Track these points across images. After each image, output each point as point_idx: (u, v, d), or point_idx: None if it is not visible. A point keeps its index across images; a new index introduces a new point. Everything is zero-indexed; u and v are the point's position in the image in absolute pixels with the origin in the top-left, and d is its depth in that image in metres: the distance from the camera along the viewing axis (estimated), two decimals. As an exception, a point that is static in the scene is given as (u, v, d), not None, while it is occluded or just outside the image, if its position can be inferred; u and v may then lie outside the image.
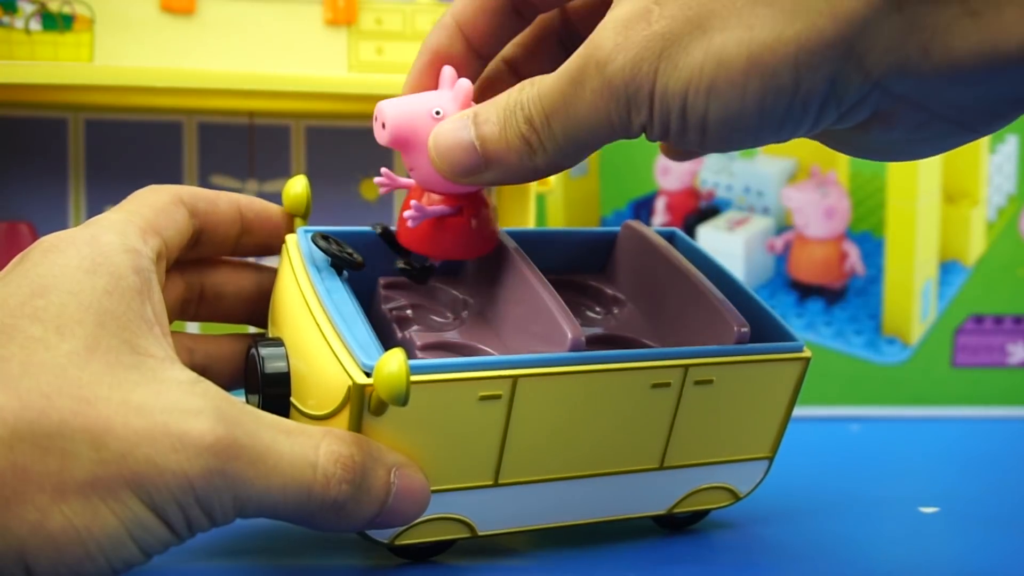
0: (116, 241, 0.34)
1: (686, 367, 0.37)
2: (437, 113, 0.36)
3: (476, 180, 0.35)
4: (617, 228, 0.44)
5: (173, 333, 0.37)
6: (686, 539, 0.42)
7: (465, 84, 0.36)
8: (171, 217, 0.37)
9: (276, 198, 0.41)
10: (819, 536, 0.42)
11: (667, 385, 0.37)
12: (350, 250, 0.38)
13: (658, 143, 0.36)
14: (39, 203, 0.56)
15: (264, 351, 0.37)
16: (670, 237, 0.45)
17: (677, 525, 0.43)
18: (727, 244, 0.75)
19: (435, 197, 0.37)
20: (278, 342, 0.37)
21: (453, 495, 0.36)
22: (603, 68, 0.31)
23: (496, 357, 0.35)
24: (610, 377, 0.36)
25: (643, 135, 0.32)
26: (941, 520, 0.45)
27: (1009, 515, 0.45)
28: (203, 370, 0.40)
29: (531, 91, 0.33)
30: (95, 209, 0.57)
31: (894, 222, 0.74)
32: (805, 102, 0.30)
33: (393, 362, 0.32)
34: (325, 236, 0.38)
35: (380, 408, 0.34)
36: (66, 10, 0.54)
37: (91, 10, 0.55)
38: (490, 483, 0.36)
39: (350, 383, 0.33)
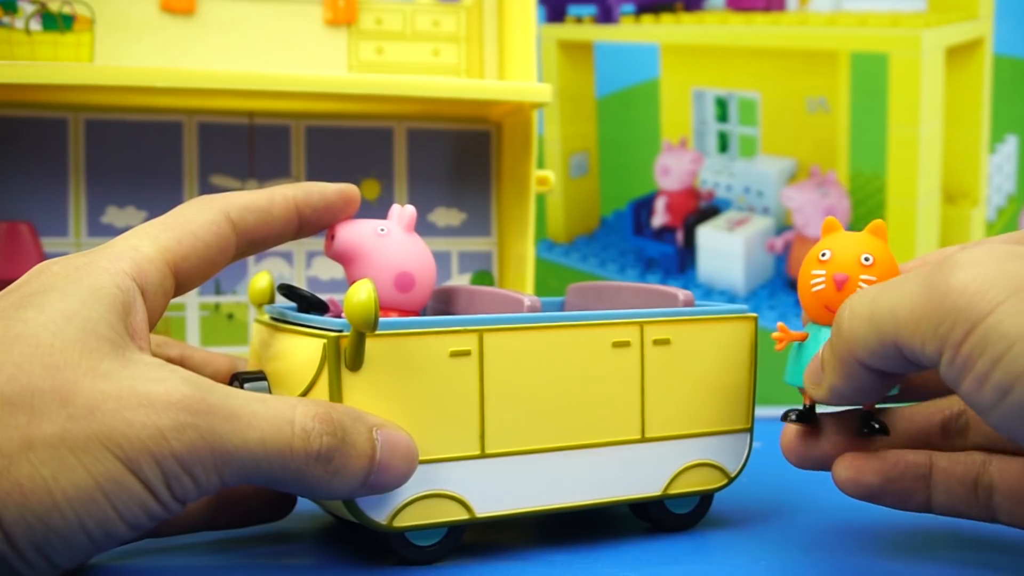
0: (108, 267, 0.35)
1: (641, 325, 0.40)
2: (382, 230, 0.40)
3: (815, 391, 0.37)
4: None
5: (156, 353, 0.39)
6: (686, 539, 0.42)
7: (410, 210, 0.41)
8: (201, 240, 0.37)
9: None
10: (819, 536, 0.42)
11: (627, 344, 0.40)
12: (314, 294, 0.41)
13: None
14: (39, 203, 0.56)
15: (248, 386, 0.39)
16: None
17: (676, 525, 0.43)
18: (727, 244, 0.75)
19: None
20: (260, 374, 0.40)
21: (443, 468, 0.37)
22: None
23: (462, 316, 0.38)
24: (571, 334, 0.39)
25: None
26: (941, 520, 0.45)
27: (1009, 515, 0.45)
28: None
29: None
30: (95, 209, 0.57)
31: (894, 222, 0.74)
32: None
33: (362, 290, 0.34)
34: (289, 287, 0.41)
35: (356, 358, 0.36)
36: (66, 10, 0.54)
37: (91, 10, 0.55)
38: (477, 453, 0.38)
39: (325, 341, 0.36)
